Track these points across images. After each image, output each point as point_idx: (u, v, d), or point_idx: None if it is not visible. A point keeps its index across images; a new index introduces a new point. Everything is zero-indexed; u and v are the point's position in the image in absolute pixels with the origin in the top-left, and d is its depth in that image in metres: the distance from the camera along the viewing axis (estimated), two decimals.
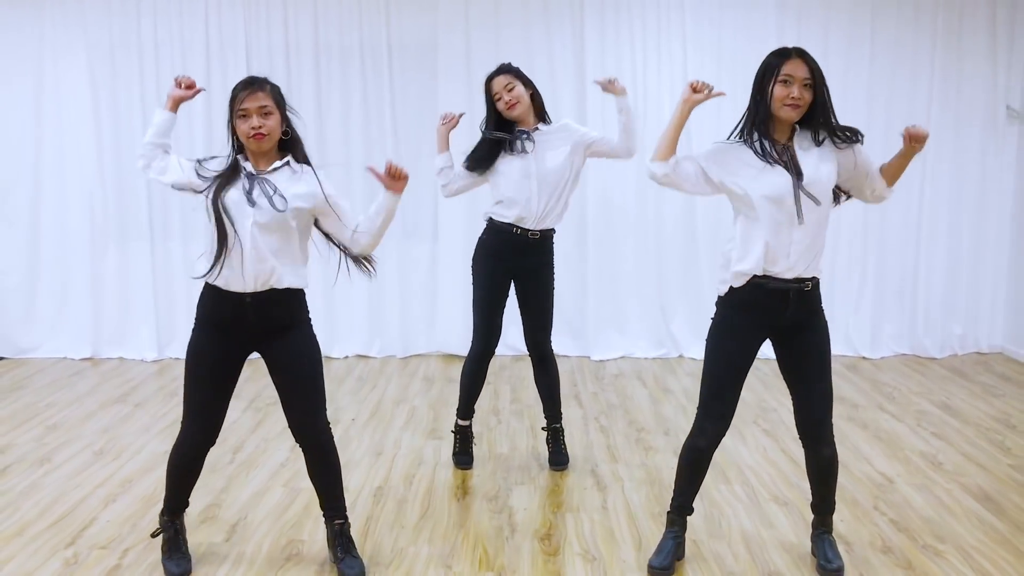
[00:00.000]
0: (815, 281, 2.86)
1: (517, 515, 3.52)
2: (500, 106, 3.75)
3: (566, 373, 5.78)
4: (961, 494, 3.72)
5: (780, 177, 2.74)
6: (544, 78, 6.06)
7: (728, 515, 3.51)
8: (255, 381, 5.12)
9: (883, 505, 3.60)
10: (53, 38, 6.04)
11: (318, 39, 6.08)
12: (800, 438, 2.97)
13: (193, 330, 2.93)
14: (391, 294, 6.29)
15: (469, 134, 4.10)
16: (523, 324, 3.98)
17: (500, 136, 3.77)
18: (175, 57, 6.04)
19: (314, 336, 3.00)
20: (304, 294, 2.96)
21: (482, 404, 5.02)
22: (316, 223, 2.98)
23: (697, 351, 6.04)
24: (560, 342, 6.31)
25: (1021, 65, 6.10)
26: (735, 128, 2.87)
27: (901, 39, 6.05)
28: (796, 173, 2.74)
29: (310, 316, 3.01)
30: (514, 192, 3.76)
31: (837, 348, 6.17)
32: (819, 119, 2.78)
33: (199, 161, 2.91)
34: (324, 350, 6.17)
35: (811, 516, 3.13)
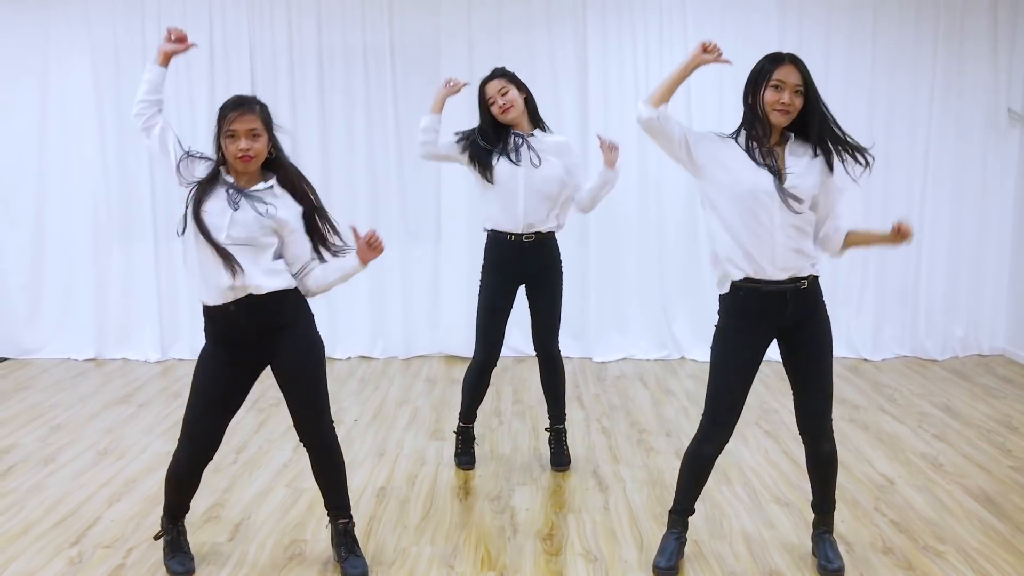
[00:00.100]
0: (811, 279, 2.87)
1: (519, 515, 3.53)
2: (494, 110, 3.76)
3: (568, 375, 5.77)
4: (962, 495, 3.73)
5: (761, 177, 2.77)
6: (546, 80, 6.10)
7: (729, 516, 3.52)
8: (259, 382, 5.09)
9: (884, 506, 3.62)
10: (57, 40, 6.07)
11: (321, 41, 6.10)
12: (800, 434, 2.99)
13: (201, 350, 2.97)
14: (394, 295, 6.30)
15: (463, 119, 4.07)
16: (532, 326, 3.99)
17: (487, 147, 3.76)
18: (179, 59, 5.98)
19: (316, 335, 2.99)
20: (296, 294, 2.94)
21: (484, 405, 5.01)
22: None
23: (699, 353, 6.06)
24: (562, 343, 6.23)
25: (1022, 68, 6.11)
26: (737, 129, 2.89)
27: (902, 42, 6.06)
28: (778, 176, 2.76)
29: (312, 314, 3.00)
30: (499, 197, 3.78)
31: (839, 350, 6.25)
32: (814, 127, 2.79)
33: (187, 154, 2.89)
34: (327, 351, 6.17)
35: (812, 516, 3.15)
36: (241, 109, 2.79)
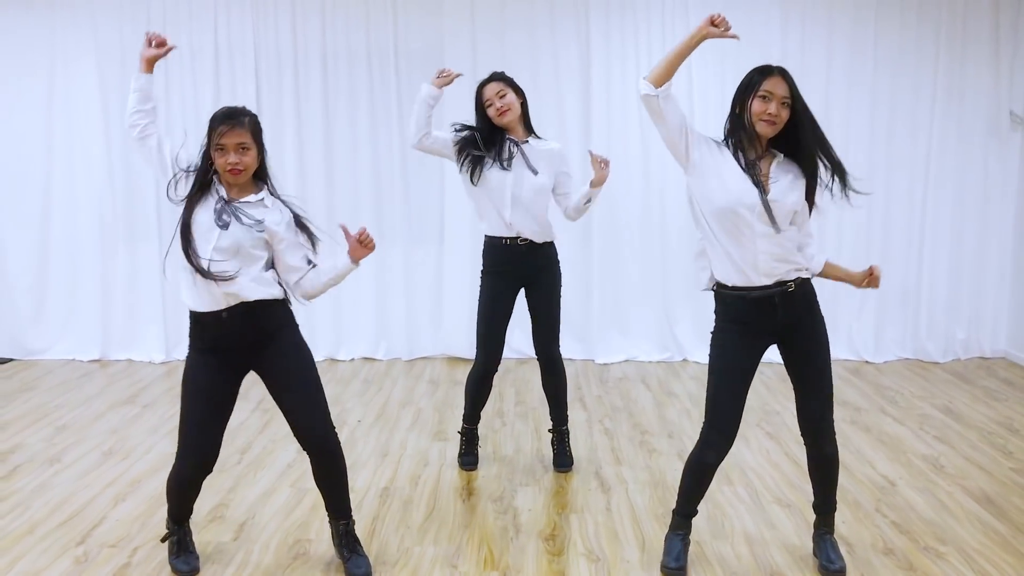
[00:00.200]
0: (799, 282, 2.89)
1: (522, 516, 3.55)
2: (491, 112, 3.77)
3: (571, 376, 5.80)
4: (963, 497, 3.74)
5: (746, 188, 2.79)
6: (549, 81, 6.13)
7: (731, 516, 3.54)
8: (261, 383, 5.14)
9: (885, 507, 3.63)
10: (64, 41, 6.10)
11: (325, 43, 6.13)
12: (802, 436, 3.00)
13: (188, 355, 2.95)
14: (397, 297, 6.33)
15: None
16: (532, 329, 4.01)
17: (480, 154, 3.77)
18: (184, 61, 6.10)
19: (304, 342, 3.00)
20: (285, 304, 2.96)
21: (487, 407, 5.03)
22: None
23: (701, 355, 6.07)
24: (565, 345, 6.27)
25: None
26: (727, 131, 2.93)
27: (904, 45, 6.08)
28: (761, 189, 2.79)
29: (297, 324, 3.01)
30: (487, 201, 3.80)
31: (840, 352, 6.28)
32: (803, 139, 2.82)
33: (185, 172, 2.88)
34: (330, 352, 6.32)
35: (813, 517, 3.16)
36: (230, 123, 2.80)
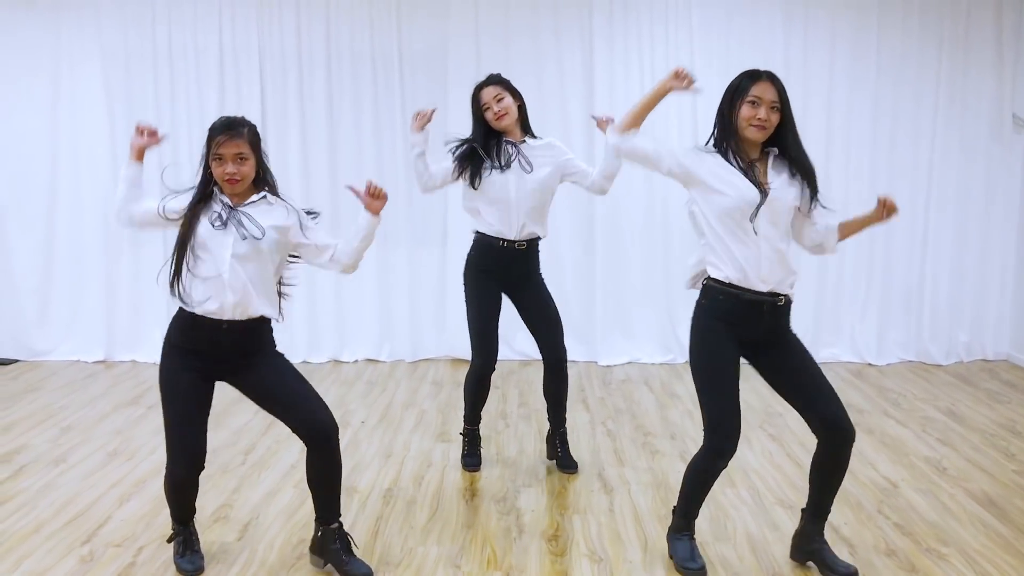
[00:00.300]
0: (787, 299, 2.91)
1: (525, 516, 3.56)
2: (488, 116, 3.79)
3: (573, 378, 5.80)
4: (965, 499, 3.75)
5: (747, 189, 2.81)
6: (553, 85, 6.15)
7: (733, 518, 3.55)
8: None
9: (887, 509, 3.64)
10: (69, 44, 6.13)
11: (330, 46, 6.15)
12: (823, 439, 2.89)
13: (163, 358, 2.94)
14: (400, 299, 6.35)
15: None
16: (539, 337, 3.99)
17: (479, 160, 3.80)
18: (189, 64, 6.13)
19: (284, 356, 3.05)
20: (270, 324, 3.00)
21: (490, 408, 5.06)
22: (292, 253, 3.03)
23: None
24: (568, 347, 6.34)
25: None
26: (709, 137, 2.95)
27: (907, 48, 6.09)
28: (761, 190, 2.81)
29: (276, 344, 3.05)
30: (492, 204, 3.82)
31: (843, 355, 6.29)
32: (788, 147, 2.85)
33: (164, 203, 2.94)
34: (334, 354, 6.35)
35: None
36: (229, 133, 2.84)
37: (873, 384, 5.72)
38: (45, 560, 3.16)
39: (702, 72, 6.04)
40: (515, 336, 5.93)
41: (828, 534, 3.23)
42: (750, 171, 2.83)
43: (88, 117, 6.17)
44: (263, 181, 2.97)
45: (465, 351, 6.27)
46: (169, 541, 3.15)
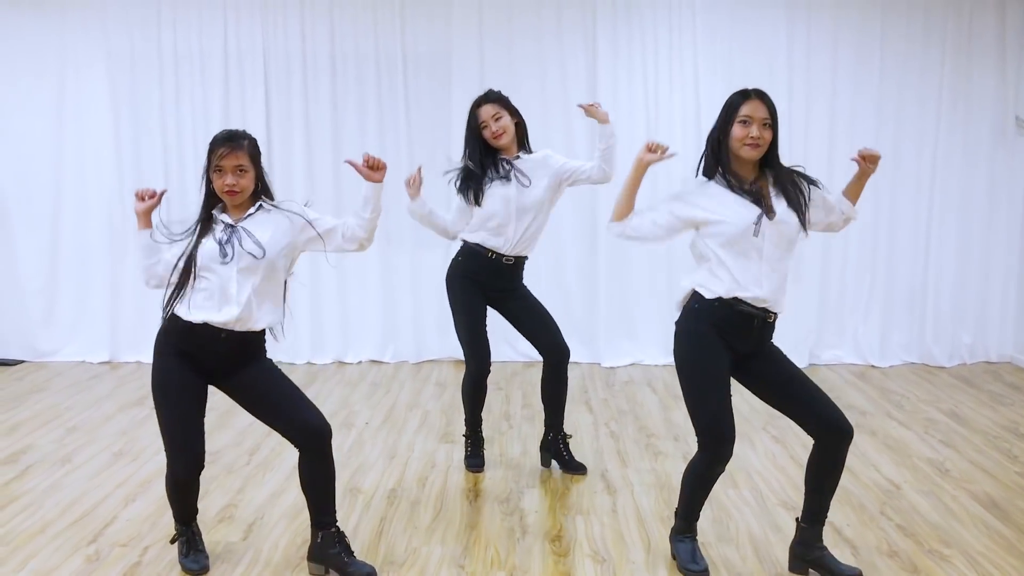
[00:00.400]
0: (775, 318, 2.93)
1: (528, 517, 3.58)
2: (486, 134, 3.83)
3: (577, 379, 5.84)
4: (968, 501, 3.76)
5: (747, 211, 2.82)
6: (556, 88, 6.17)
7: (736, 519, 3.56)
8: None
9: (890, 511, 3.65)
10: (75, 47, 6.17)
11: (334, 49, 6.18)
12: (822, 440, 2.89)
13: (156, 361, 2.96)
14: (404, 300, 6.36)
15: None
16: (537, 339, 4.01)
17: (477, 172, 3.85)
18: (194, 66, 6.16)
19: (274, 363, 3.07)
20: (264, 334, 3.02)
21: (493, 409, 5.09)
22: (304, 250, 3.06)
23: None
24: (571, 349, 6.36)
25: None
26: (699, 162, 2.96)
27: (910, 51, 6.10)
28: (766, 209, 2.83)
29: (267, 352, 3.08)
30: (496, 219, 3.85)
31: (846, 356, 6.30)
32: (772, 158, 2.88)
33: (167, 229, 3.02)
34: (338, 355, 6.37)
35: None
36: (230, 145, 2.88)
37: (876, 386, 5.73)
38: (51, 560, 3.18)
39: (705, 76, 6.10)
40: (518, 337, 5.93)
41: (830, 536, 3.25)
42: (755, 193, 2.85)
43: (93, 119, 6.20)
44: (262, 193, 3.00)
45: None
46: (172, 542, 3.16)
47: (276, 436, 4.54)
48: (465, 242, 3.96)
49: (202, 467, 3.00)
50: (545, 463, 4.15)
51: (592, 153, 4.14)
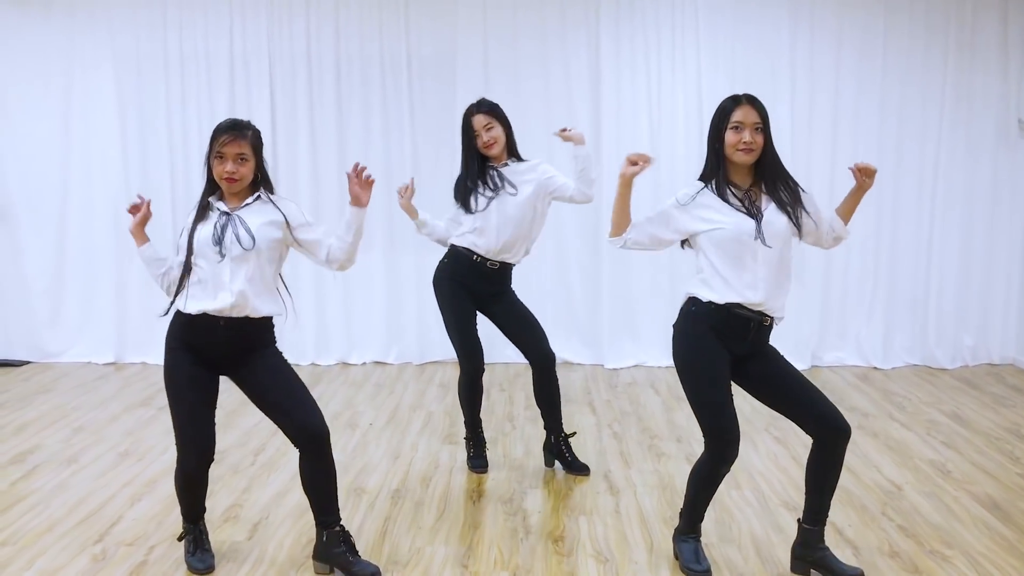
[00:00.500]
0: (772, 322, 2.95)
1: (532, 517, 3.60)
2: (478, 143, 3.91)
3: (580, 381, 5.87)
4: (969, 502, 3.77)
5: (742, 220, 2.86)
6: (560, 89, 6.20)
7: (739, 520, 3.58)
8: None
9: (891, 511, 3.66)
10: (82, 48, 6.20)
11: (339, 50, 6.21)
12: (820, 438, 2.90)
13: (166, 356, 3.01)
14: (408, 302, 6.39)
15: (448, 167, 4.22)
16: (522, 343, 4.04)
17: (470, 179, 3.94)
18: (200, 68, 6.19)
19: (282, 355, 3.09)
20: (272, 321, 3.05)
21: (496, 410, 5.12)
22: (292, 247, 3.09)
23: None
24: (574, 350, 6.42)
25: None
26: (703, 171, 2.99)
27: (913, 54, 6.11)
28: (757, 216, 2.86)
29: (276, 341, 3.09)
30: (479, 223, 3.92)
31: (849, 358, 6.31)
32: (765, 162, 2.90)
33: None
34: (342, 356, 6.40)
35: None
36: (233, 133, 2.92)
37: (879, 388, 5.74)
38: (59, 558, 3.20)
39: (708, 74, 6.11)
40: None
41: (832, 536, 3.27)
42: (745, 200, 2.88)
43: (100, 121, 6.24)
44: (261, 184, 3.03)
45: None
46: (179, 539, 3.19)
47: (281, 436, 4.56)
48: (452, 245, 4.02)
49: (211, 460, 3.03)
50: (548, 463, 4.18)
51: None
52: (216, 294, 2.90)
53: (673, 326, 3.04)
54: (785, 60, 6.09)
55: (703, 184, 2.95)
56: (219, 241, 2.91)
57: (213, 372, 3.02)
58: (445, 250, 4.11)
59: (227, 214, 2.95)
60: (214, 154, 2.93)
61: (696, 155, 3.10)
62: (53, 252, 6.38)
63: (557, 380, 4.08)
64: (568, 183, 3.97)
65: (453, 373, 6.06)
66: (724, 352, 2.92)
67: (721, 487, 3.66)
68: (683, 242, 3.06)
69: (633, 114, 6.17)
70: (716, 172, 2.92)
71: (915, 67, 6.13)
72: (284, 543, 3.35)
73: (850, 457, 4.24)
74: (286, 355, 3.10)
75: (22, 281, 6.40)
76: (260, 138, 3.02)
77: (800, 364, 5.97)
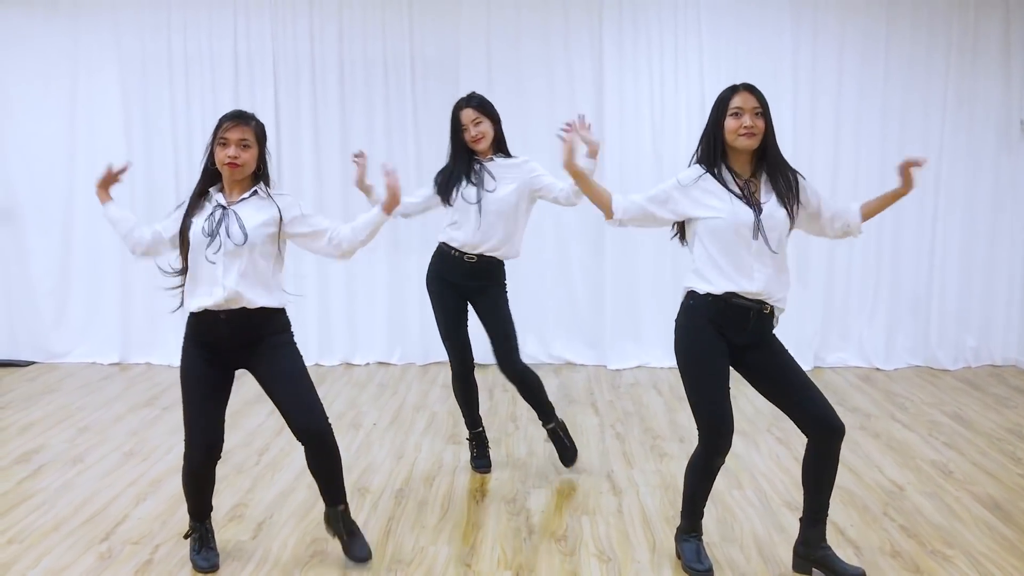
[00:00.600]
0: (773, 310, 2.95)
1: (535, 517, 3.61)
2: (465, 137, 3.93)
3: (583, 381, 5.89)
4: (971, 502, 3.78)
5: (740, 209, 2.87)
6: (563, 90, 6.22)
7: (741, 519, 3.59)
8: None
9: (893, 511, 3.67)
10: (87, 50, 6.23)
11: (343, 50, 6.23)
12: (814, 436, 2.92)
13: (181, 354, 3.06)
14: (411, 303, 6.40)
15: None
16: (493, 348, 4.05)
17: (455, 172, 3.98)
18: (204, 69, 6.22)
19: (296, 347, 3.10)
20: (283, 313, 3.07)
21: (500, 411, 5.13)
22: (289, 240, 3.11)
23: None
24: (577, 350, 6.43)
25: None
26: (693, 156, 3.02)
27: (915, 56, 6.12)
28: (756, 208, 2.87)
29: (292, 332, 3.11)
30: (457, 216, 3.96)
31: (851, 359, 6.32)
32: (767, 148, 2.91)
33: (159, 225, 3.15)
34: (346, 357, 6.42)
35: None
36: (237, 120, 2.96)
37: (881, 389, 5.75)
38: (64, 557, 3.22)
39: (711, 77, 6.12)
40: (524, 340, 5.97)
41: (833, 536, 3.28)
42: (746, 188, 2.90)
43: (105, 121, 6.26)
44: (260, 177, 3.05)
45: (475, 355, 6.35)
46: (186, 537, 3.21)
47: (285, 436, 4.60)
48: (439, 242, 4.05)
49: (218, 457, 3.06)
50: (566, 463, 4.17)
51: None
52: (211, 289, 2.93)
53: (675, 320, 3.08)
54: (787, 63, 6.11)
55: (704, 169, 2.96)
56: (212, 235, 2.93)
57: (227, 369, 3.04)
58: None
59: (223, 207, 2.98)
60: (217, 140, 2.95)
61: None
62: (58, 253, 6.41)
63: (529, 380, 4.02)
64: (555, 184, 3.95)
65: None
66: (723, 345, 2.94)
67: (723, 487, 3.69)
68: (681, 238, 3.08)
69: (635, 115, 6.19)
70: (714, 159, 2.93)
71: (917, 70, 6.14)
72: (288, 542, 3.37)
73: (852, 457, 4.26)
74: None
75: (27, 282, 6.43)
76: (264, 130, 3.04)
77: (802, 365, 5.89)
